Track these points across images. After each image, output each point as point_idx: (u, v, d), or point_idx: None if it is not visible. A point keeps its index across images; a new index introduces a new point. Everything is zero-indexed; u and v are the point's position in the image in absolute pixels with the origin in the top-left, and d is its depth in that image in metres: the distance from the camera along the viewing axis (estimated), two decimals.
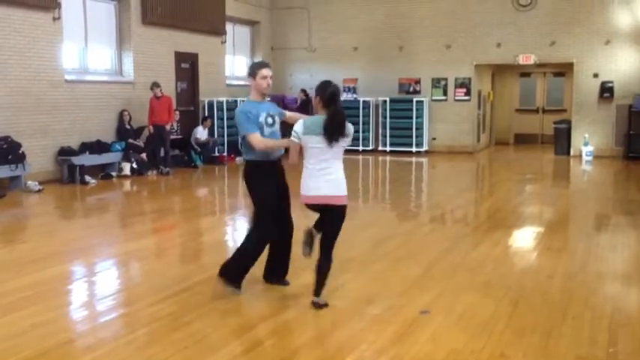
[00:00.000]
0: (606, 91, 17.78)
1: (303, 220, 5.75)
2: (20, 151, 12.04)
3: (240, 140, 5.70)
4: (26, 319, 5.11)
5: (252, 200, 5.69)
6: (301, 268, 6.00)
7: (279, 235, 5.71)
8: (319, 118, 5.14)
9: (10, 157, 11.86)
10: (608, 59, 17.73)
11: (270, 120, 5.55)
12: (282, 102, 19.38)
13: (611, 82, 17.73)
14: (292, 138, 5.18)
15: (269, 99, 5.90)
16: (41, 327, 4.94)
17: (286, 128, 5.51)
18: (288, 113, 6.00)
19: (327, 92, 5.15)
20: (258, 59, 20.50)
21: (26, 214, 10.51)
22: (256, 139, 5.41)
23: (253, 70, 5.59)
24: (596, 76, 17.88)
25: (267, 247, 5.78)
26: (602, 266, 6.82)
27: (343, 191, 5.23)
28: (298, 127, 5.17)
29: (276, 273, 5.88)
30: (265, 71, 5.54)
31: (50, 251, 7.52)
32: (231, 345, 4.62)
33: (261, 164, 5.56)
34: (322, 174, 5.15)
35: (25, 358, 4.34)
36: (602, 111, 17.99)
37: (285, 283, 5.87)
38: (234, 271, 5.60)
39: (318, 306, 5.29)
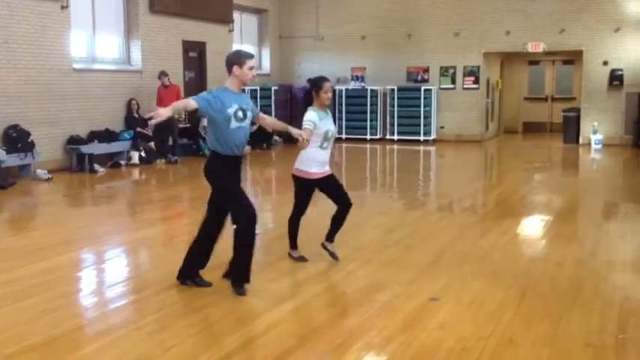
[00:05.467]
0: (616, 79, 17.68)
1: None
2: (29, 140, 12.08)
3: (205, 132, 5.51)
4: (37, 305, 5.15)
5: (219, 193, 5.42)
6: (309, 258, 6.03)
7: (212, 231, 5.51)
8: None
9: (19, 145, 11.89)
10: (617, 47, 17.62)
11: (240, 114, 5.24)
12: (289, 91, 19.39)
13: (621, 69, 17.63)
14: (307, 126, 5.89)
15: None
16: (51, 313, 4.97)
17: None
18: (266, 118, 5.79)
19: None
20: (266, 48, 20.50)
21: (35, 203, 10.56)
22: (181, 100, 5.20)
23: (241, 59, 5.27)
24: (605, 63, 17.79)
25: (198, 242, 5.55)
26: (612, 254, 6.81)
27: None
28: (313, 117, 5.94)
29: (195, 270, 5.58)
30: (253, 62, 5.35)
31: (60, 239, 7.56)
32: (241, 331, 4.64)
33: (225, 158, 5.31)
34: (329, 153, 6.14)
35: (36, 344, 4.37)
36: (611, 99, 17.90)
37: (207, 284, 5.54)
38: (245, 271, 5.39)
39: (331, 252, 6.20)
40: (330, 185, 6.17)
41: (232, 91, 5.30)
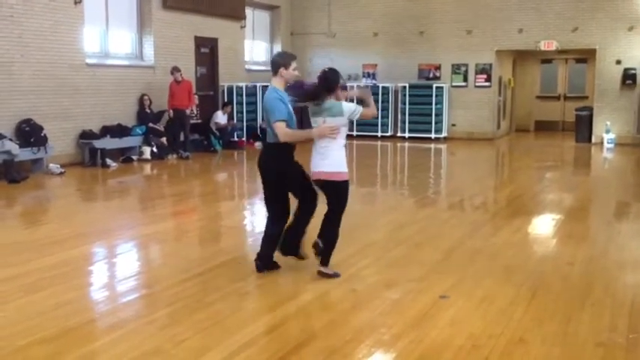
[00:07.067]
0: (629, 78, 17.55)
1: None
2: (42, 134, 12.15)
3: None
4: (49, 298, 5.19)
5: (287, 181, 5.62)
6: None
7: (304, 211, 5.73)
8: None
9: (32, 139, 11.97)
10: (631, 46, 17.50)
11: (291, 109, 5.63)
12: (301, 87, 19.35)
13: (634, 69, 17.51)
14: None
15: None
16: (64, 306, 5.01)
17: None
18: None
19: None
20: (277, 44, 20.47)
21: (48, 197, 10.63)
22: (282, 129, 5.44)
23: (287, 61, 5.64)
24: (618, 62, 17.67)
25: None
26: (623, 254, 6.77)
27: (338, 168, 5.54)
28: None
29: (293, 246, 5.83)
30: (296, 62, 5.70)
31: (72, 233, 7.61)
32: (252, 326, 4.66)
33: (288, 147, 5.58)
34: (322, 151, 5.54)
35: (49, 337, 4.41)
36: (624, 98, 17.78)
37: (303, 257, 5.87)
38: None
39: (325, 275, 5.60)
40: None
41: (282, 91, 5.62)
